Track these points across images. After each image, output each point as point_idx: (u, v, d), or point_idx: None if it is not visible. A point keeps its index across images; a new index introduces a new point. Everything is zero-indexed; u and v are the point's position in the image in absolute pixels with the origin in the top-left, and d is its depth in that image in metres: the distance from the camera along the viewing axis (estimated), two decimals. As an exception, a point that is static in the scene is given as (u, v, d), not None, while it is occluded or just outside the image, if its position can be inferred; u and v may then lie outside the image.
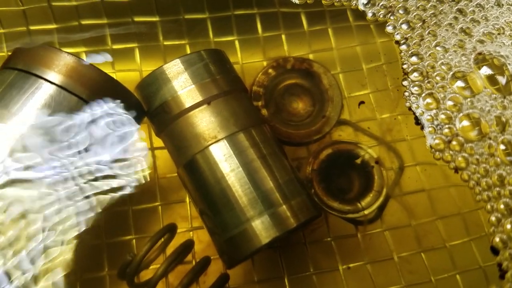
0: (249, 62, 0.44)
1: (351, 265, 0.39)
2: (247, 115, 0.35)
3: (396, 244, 0.40)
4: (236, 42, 0.45)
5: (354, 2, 0.45)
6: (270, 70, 0.43)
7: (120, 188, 0.37)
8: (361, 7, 0.45)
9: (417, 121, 0.41)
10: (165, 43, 0.44)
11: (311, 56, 0.44)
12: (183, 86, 0.35)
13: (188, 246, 0.36)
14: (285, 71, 0.43)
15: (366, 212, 0.40)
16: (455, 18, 0.40)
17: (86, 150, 0.33)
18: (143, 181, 0.38)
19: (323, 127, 0.42)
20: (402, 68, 0.43)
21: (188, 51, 0.44)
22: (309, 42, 0.45)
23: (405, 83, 0.42)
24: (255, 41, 0.45)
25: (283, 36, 0.45)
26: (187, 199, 0.40)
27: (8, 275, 0.30)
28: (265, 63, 0.44)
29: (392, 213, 0.41)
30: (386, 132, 0.43)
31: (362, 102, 0.42)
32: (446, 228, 0.40)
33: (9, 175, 0.31)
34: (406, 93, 0.41)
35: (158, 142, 0.39)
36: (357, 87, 0.44)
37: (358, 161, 0.41)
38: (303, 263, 0.39)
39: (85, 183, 0.33)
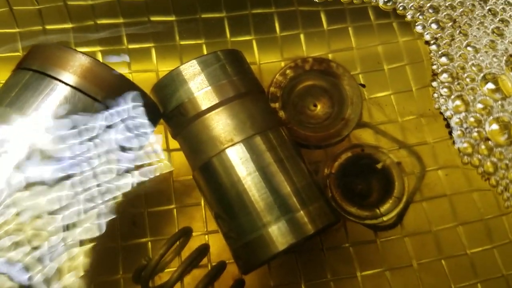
0: (267, 62, 0.43)
1: (368, 272, 0.39)
2: (264, 118, 0.35)
3: (415, 251, 0.39)
4: (254, 42, 0.44)
5: (374, -1, 0.44)
6: (288, 71, 0.42)
7: (137, 189, 0.37)
8: (381, 4, 0.44)
9: (448, 125, 0.40)
10: (182, 42, 0.44)
11: (330, 56, 0.43)
12: (199, 87, 0.34)
13: (203, 250, 0.35)
14: (303, 71, 0.42)
15: (384, 218, 0.39)
16: (484, 16, 0.39)
17: (102, 152, 0.33)
18: (160, 181, 0.38)
19: (342, 130, 0.41)
20: (432, 69, 0.41)
21: (205, 51, 0.43)
22: (329, 41, 0.44)
23: (434, 84, 0.40)
24: (272, 41, 0.44)
25: (302, 36, 0.44)
26: (202, 202, 0.40)
27: (25, 272, 0.30)
28: (283, 64, 0.43)
29: (412, 219, 0.40)
30: (407, 135, 0.41)
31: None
32: (467, 235, 0.39)
33: (25, 177, 0.31)
34: (435, 95, 0.40)
35: (174, 144, 0.38)
36: (378, 88, 0.43)
37: (379, 166, 0.40)
38: (320, 269, 0.39)
39: (101, 184, 0.33)
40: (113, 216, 0.33)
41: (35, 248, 0.31)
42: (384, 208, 0.39)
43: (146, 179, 0.36)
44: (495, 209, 0.40)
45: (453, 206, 0.40)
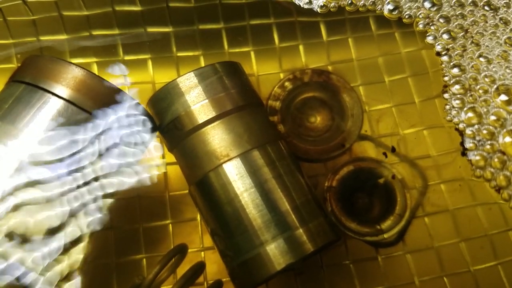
0: (265, 74, 0.43)
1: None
2: (262, 131, 0.34)
3: (417, 268, 0.38)
4: (252, 53, 0.43)
5: (379, 6, 0.43)
6: (286, 83, 0.42)
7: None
8: (386, 13, 0.43)
9: (462, 139, 0.39)
10: (179, 54, 0.43)
11: (330, 68, 0.43)
12: (196, 100, 0.34)
13: (199, 268, 0.34)
14: (302, 84, 0.42)
15: (385, 235, 0.38)
16: (497, 25, 0.38)
17: (95, 165, 0.32)
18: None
19: (342, 143, 0.40)
20: (443, 80, 0.41)
21: (202, 62, 0.43)
22: (328, 52, 0.43)
23: (446, 95, 0.39)
24: (271, 52, 0.43)
25: (301, 47, 0.43)
26: (199, 218, 0.39)
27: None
28: (281, 75, 0.42)
29: (414, 235, 0.39)
30: (409, 149, 0.40)
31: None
32: (471, 251, 0.38)
33: (16, 192, 0.30)
34: (447, 106, 0.39)
35: (170, 157, 0.37)
36: (379, 101, 0.42)
37: (381, 181, 0.39)
38: (320, 287, 0.38)
39: (94, 200, 0.33)
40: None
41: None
42: (385, 225, 0.38)
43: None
44: (501, 224, 0.39)
45: (456, 221, 0.39)
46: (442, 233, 0.39)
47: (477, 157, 0.39)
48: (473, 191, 0.39)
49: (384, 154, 0.39)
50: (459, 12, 0.40)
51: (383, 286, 0.38)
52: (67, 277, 0.31)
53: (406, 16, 0.42)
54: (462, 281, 0.38)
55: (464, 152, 0.38)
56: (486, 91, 0.38)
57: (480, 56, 0.40)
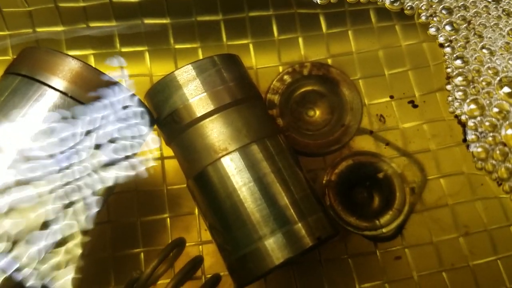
0: (264, 66, 0.42)
1: (368, 284, 0.37)
2: (260, 125, 0.34)
3: (416, 262, 0.38)
4: (251, 46, 0.43)
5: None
6: (285, 77, 0.41)
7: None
8: (387, 4, 0.43)
9: (464, 131, 0.39)
10: (176, 46, 0.43)
11: (329, 61, 0.42)
12: (194, 94, 0.33)
13: (197, 262, 0.34)
14: (301, 77, 0.41)
15: (384, 230, 0.38)
16: (499, 17, 0.37)
17: (92, 159, 0.32)
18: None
19: (342, 137, 0.40)
20: (446, 72, 0.40)
21: (200, 55, 0.42)
22: (328, 45, 0.43)
23: (448, 87, 0.39)
24: (270, 45, 0.43)
25: (300, 39, 0.43)
26: (197, 211, 0.39)
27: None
28: (280, 68, 0.42)
29: (413, 229, 0.39)
30: (409, 142, 0.40)
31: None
32: (470, 246, 0.38)
33: (11, 185, 0.30)
34: (450, 98, 0.39)
35: (168, 151, 0.37)
36: (379, 94, 0.42)
37: (381, 175, 0.39)
38: (318, 282, 0.38)
39: (92, 193, 0.32)
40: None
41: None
42: (384, 219, 0.38)
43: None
44: (501, 218, 0.39)
45: (455, 216, 0.39)
46: (441, 228, 0.39)
47: (479, 149, 0.38)
48: (473, 186, 0.39)
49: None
50: (462, 3, 0.39)
51: (382, 280, 0.38)
52: (63, 271, 0.31)
53: (408, 8, 0.42)
54: (461, 276, 0.38)
55: (465, 139, 0.38)
56: (489, 83, 0.38)
57: (483, 47, 0.39)
